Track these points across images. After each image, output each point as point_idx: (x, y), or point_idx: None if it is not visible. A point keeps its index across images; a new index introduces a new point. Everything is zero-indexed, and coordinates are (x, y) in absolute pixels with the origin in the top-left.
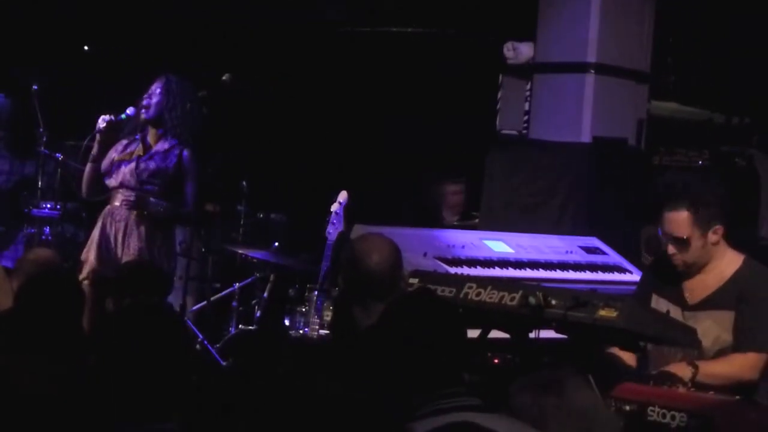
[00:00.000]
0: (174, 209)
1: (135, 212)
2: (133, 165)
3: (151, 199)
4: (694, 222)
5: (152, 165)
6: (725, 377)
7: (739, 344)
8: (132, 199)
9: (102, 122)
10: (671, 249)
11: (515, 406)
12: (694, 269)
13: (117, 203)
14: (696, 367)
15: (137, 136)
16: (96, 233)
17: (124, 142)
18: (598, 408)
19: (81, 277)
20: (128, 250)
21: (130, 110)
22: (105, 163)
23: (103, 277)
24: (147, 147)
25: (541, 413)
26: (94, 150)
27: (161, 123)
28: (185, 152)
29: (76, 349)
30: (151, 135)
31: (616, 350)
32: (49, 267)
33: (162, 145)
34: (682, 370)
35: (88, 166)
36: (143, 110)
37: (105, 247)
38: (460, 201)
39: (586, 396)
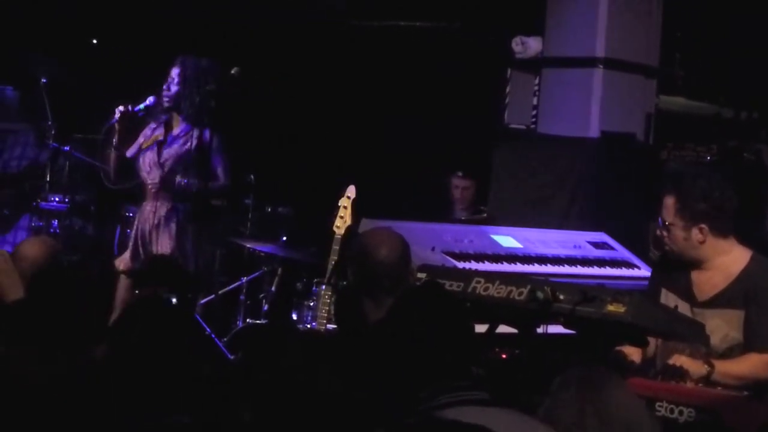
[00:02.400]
0: (204, 185)
1: (167, 207)
2: (155, 156)
3: (178, 178)
4: (677, 210)
5: (173, 152)
6: (742, 377)
7: (752, 344)
8: (157, 181)
9: (117, 113)
10: (658, 231)
11: (555, 403)
12: (686, 259)
13: (149, 200)
14: (712, 366)
15: (164, 117)
16: (133, 233)
17: (153, 125)
18: (638, 414)
19: (119, 270)
20: (159, 248)
21: (150, 100)
22: (132, 149)
23: (135, 270)
24: (168, 131)
25: (580, 414)
26: (115, 139)
27: (180, 110)
28: (205, 132)
29: (86, 342)
30: (174, 118)
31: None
32: (53, 255)
33: (181, 129)
34: (697, 368)
35: (113, 154)
36: (165, 99)
37: (141, 243)
38: (469, 196)
39: (627, 402)
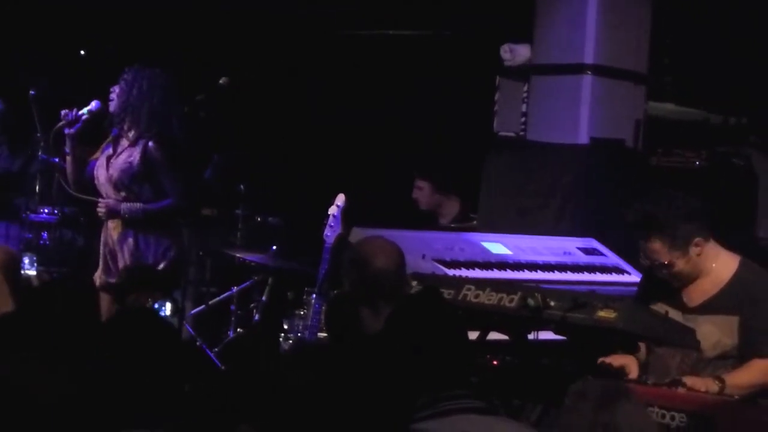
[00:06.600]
0: (152, 207)
1: (120, 224)
2: (105, 170)
3: (123, 204)
4: (669, 248)
5: (118, 167)
6: (753, 386)
7: (753, 350)
8: (103, 210)
9: (61, 116)
10: (660, 271)
11: (570, 413)
12: (692, 279)
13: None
14: (723, 382)
15: (115, 131)
16: (101, 249)
17: (110, 137)
18: (645, 428)
19: (97, 285)
20: (123, 263)
21: (93, 105)
22: (91, 163)
23: (110, 284)
24: (117, 144)
25: (591, 429)
26: (67, 144)
27: (126, 116)
28: (149, 144)
29: (75, 354)
30: (123, 131)
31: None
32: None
33: (128, 142)
34: (708, 386)
35: (67, 158)
36: (109, 106)
37: (110, 258)
38: (424, 197)
39: (636, 418)
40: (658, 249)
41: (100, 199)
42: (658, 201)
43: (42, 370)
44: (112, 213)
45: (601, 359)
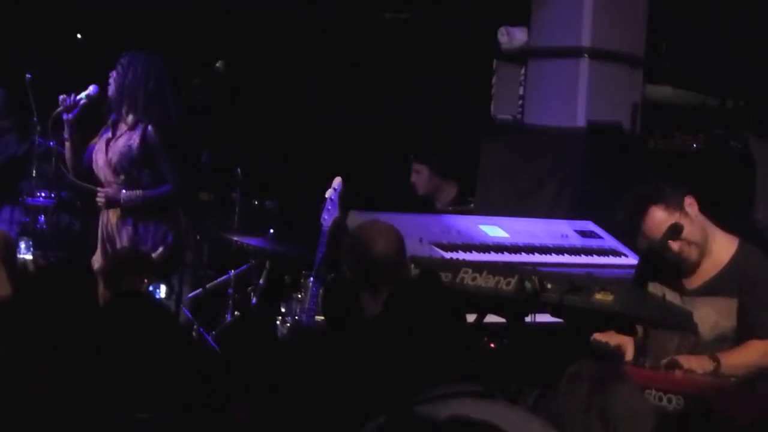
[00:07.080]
0: (152, 194)
1: (119, 210)
2: (104, 154)
3: (123, 192)
4: (667, 208)
5: (118, 151)
6: (748, 366)
7: (751, 332)
8: (102, 199)
9: (59, 102)
10: (675, 247)
11: (566, 395)
12: (704, 250)
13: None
14: (718, 361)
15: (114, 115)
16: (99, 233)
17: (108, 122)
18: (638, 410)
19: (96, 269)
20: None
21: (91, 89)
22: (89, 148)
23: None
24: (116, 128)
25: (586, 410)
26: (66, 129)
27: (123, 100)
28: (149, 128)
29: (74, 343)
30: (122, 115)
31: (611, 336)
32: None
33: (127, 126)
34: (704, 364)
35: (66, 145)
36: (108, 90)
37: (109, 244)
38: (422, 182)
39: (629, 399)
40: (660, 216)
41: (99, 189)
42: (637, 186)
43: (39, 352)
44: (112, 202)
45: (595, 335)
